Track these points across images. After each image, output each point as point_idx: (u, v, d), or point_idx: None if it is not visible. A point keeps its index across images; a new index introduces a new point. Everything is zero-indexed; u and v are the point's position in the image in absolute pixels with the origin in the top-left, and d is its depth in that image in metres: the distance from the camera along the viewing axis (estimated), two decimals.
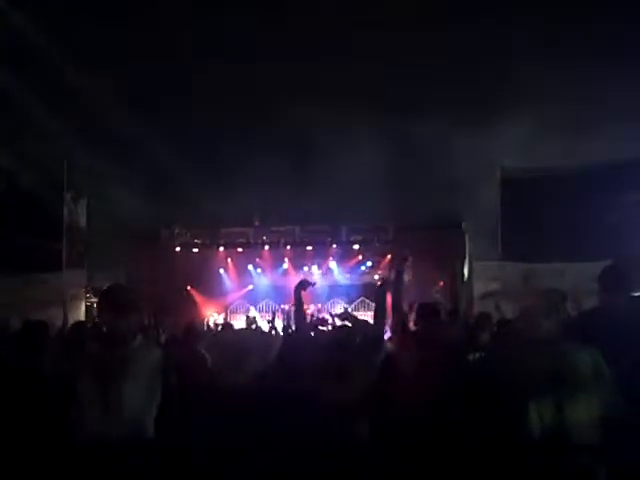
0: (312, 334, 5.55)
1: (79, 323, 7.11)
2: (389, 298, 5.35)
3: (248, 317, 17.18)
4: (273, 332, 10.22)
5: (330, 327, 9.08)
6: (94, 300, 17.04)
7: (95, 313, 5.24)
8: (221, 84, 14.13)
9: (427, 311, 5.32)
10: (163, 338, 7.99)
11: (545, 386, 3.88)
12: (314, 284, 5.50)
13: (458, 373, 4.88)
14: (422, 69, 13.81)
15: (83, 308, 16.45)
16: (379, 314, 5.17)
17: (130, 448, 3.94)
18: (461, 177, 15.02)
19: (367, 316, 5.79)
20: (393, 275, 5.69)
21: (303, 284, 5.32)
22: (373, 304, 5.39)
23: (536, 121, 13.44)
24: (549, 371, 3.91)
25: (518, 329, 4.68)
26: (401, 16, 12.63)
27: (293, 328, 6.84)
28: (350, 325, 6.16)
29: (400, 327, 5.30)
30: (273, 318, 11.72)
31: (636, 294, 5.20)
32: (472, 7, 12.46)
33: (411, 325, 5.37)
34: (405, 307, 5.46)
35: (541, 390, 3.88)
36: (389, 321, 5.35)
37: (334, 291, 22.02)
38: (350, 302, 21.56)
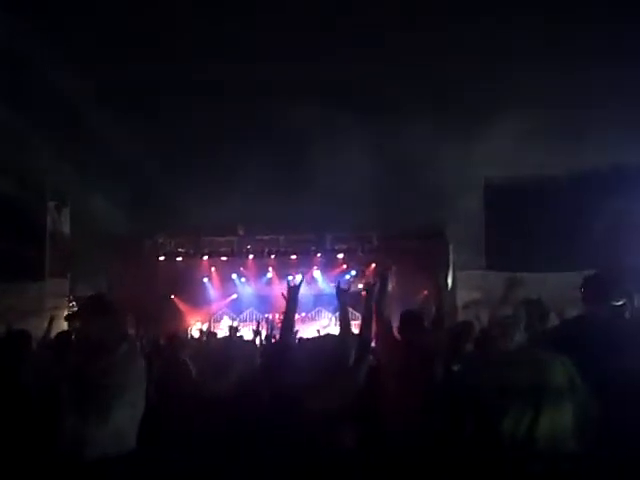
0: (297, 342, 5.52)
1: (63, 333, 7.07)
2: (374, 307, 5.36)
3: (231, 326, 17.15)
4: (257, 341, 10.21)
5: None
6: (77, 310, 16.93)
7: (75, 323, 5.13)
8: (209, 89, 14.14)
9: (411, 318, 5.34)
10: (147, 347, 7.96)
11: (518, 396, 3.89)
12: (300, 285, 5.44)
13: (441, 381, 4.90)
14: (405, 76, 13.85)
15: None
16: (365, 324, 5.18)
17: (113, 458, 3.92)
18: (445, 186, 15.08)
19: (352, 325, 5.76)
20: (377, 284, 5.70)
21: (298, 287, 5.27)
22: (357, 313, 5.38)
23: (521, 129, 13.50)
24: (521, 381, 3.92)
25: (492, 338, 4.69)
26: (385, 24, 12.67)
27: (277, 337, 6.82)
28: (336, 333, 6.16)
29: (384, 335, 5.31)
30: (258, 326, 11.71)
31: (618, 303, 5.23)
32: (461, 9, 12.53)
33: (395, 333, 5.38)
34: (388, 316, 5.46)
35: (516, 400, 3.89)
36: (373, 329, 5.35)
37: (318, 300, 22.00)
38: (335, 311, 21.54)
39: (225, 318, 22.48)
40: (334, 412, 4.27)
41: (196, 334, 18.89)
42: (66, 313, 16.32)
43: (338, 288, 5.41)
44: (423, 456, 4.41)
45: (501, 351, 4.16)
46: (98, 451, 3.89)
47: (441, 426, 4.47)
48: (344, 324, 5.23)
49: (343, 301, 5.35)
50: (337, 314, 5.57)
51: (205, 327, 20.99)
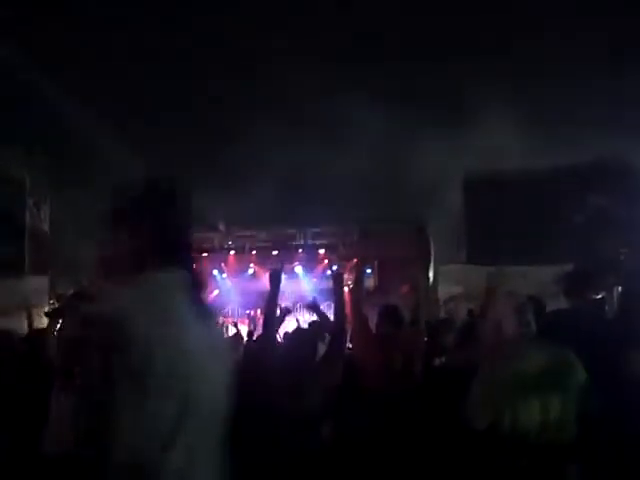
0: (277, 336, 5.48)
1: (39, 330, 7.01)
2: (348, 300, 5.34)
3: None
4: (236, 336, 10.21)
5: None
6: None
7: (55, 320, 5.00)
8: (190, 86, 14.10)
9: (390, 313, 5.33)
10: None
11: (521, 387, 3.93)
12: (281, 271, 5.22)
13: (423, 376, 4.91)
14: (385, 72, 13.88)
15: None
16: (338, 308, 5.13)
17: (96, 460, 3.87)
18: (426, 180, 15.10)
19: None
20: (353, 278, 5.70)
21: (277, 273, 5.04)
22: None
23: (502, 124, 13.55)
24: (536, 371, 3.95)
25: (492, 331, 4.71)
26: (368, 16, 12.68)
27: (258, 332, 6.79)
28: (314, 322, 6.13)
29: (360, 330, 5.29)
30: (236, 324, 11.72)
31: (597, 297, 5.28)
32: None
33: (373, 328, 5.37)
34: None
35: (517, 391, 3.92)
36: (350, 323, 5.33)
37: (299, 295, 21.93)
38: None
39: None
40: (312, 409, 4.27)
41: None
42: (46, 310, 16.30)
43: (314, 303, 5.41)
44: (408, 452, 4.42)
45: (513, 343, 4.16)
46: (81, 452, 3.84)
47: (423, 420, 4.50)
48: (339, 312, 5.18)
49: (319, 312, 5.35)
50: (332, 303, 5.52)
51: None
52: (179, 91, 14.27)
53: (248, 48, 13.22)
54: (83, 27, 12.88)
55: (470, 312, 8.96)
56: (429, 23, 12.88)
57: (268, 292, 4.96)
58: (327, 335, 5.29)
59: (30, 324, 8.05)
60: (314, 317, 6.19)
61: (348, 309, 5.22)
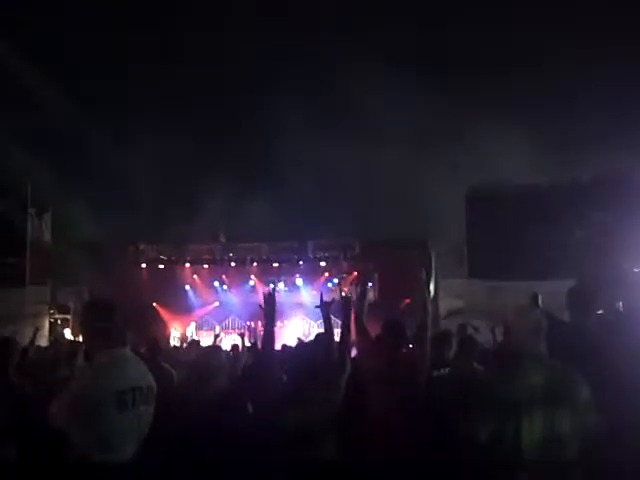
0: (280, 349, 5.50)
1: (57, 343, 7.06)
2: (353, 315, 5.34)
3: (216, 334, 17.13)
4: (241, 349, 10.20)
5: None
6: (58, 316, 16.91)
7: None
8: (188, 100, 14.15)
9: (393, 328, 5.33)
10: None
11: (523, 402, 3.91)
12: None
13: (425, 390, 4.91)
14: (387, 88, 13.92)
15: (47, 324, 16.28)
16: (344, 333, 5.17)
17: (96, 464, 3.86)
18: (428, 195, 15.14)
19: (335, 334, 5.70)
20: (357, 292, 5.71)
21: (270, 295, 5.17)
22: (339, 321, 5.36)
23: (505, 141, 13.60)
24: (529, 387, 3.94)
25: (505, 346, 4.70)
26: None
27: (260, 345, 6.80)
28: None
29: (365, 345, 5.31)
30: (242, 335, 11.72)
31: (598, 312, 5.29)
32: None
33: (376, 341, 5.37)
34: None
35: (519, 406, 3.91)
36: (353, 338, 5.34)
37: (300, 308, 21.95)
38: (317, 319, 21.51)
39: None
40: (317, 424, 4.27)
41: (179, 342, 18.89)
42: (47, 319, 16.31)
43: (322, 300, 5.40)
44: (411, 467, 4.42)
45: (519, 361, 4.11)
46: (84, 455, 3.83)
47: (427, 433, 4.50)
48: (329, 336, 5.22)
49: (327, 313, 5.35)
50: (321, 323, 5.54)
51: (188, 334, 21.02)
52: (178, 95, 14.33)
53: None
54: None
55: (462, 327, 8.91)
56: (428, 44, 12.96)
57: (265, 312, 5.04)
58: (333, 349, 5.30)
59: (36, 332, 8.11)
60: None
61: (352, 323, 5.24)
